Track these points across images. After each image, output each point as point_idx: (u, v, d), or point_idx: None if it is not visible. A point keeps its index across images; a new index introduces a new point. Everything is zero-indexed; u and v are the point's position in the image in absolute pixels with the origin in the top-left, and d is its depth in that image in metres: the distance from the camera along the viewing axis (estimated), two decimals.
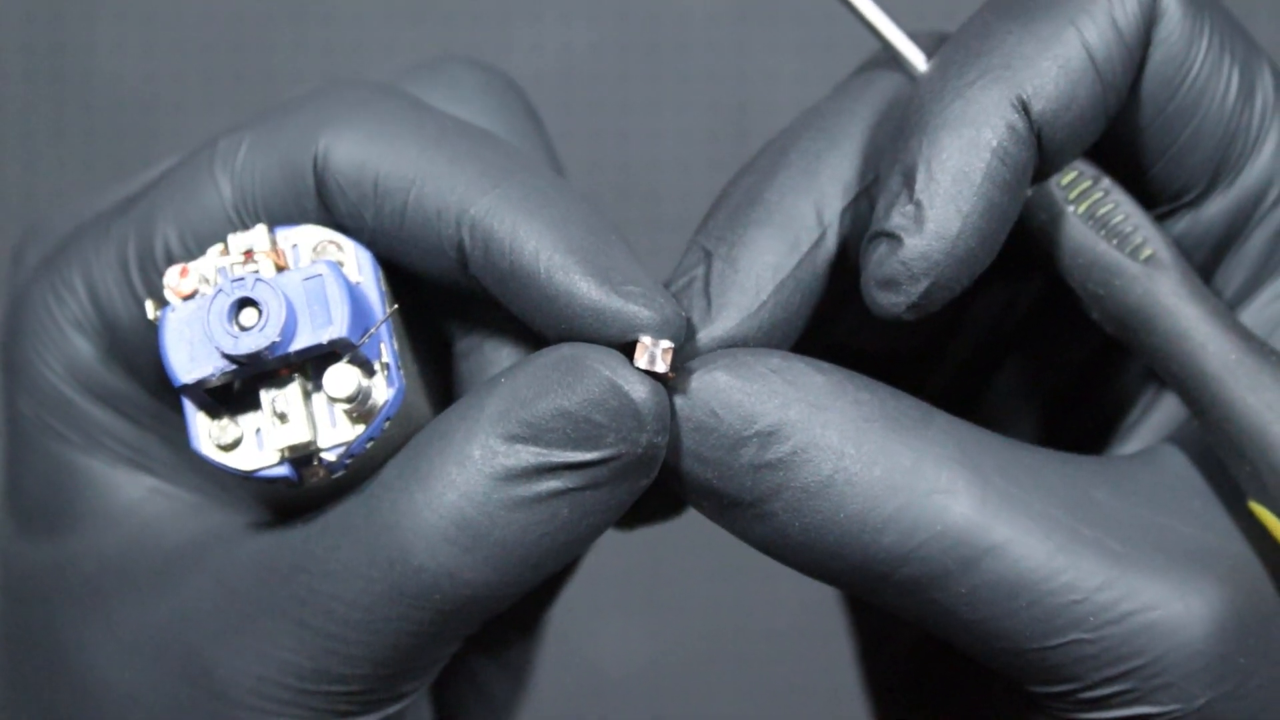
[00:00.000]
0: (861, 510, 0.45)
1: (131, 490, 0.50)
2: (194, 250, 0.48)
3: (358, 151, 0.47)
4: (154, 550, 0.49)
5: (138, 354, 0.49)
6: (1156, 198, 0.50)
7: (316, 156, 0.47)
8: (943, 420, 0.47)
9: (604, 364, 0.45)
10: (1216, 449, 0.48)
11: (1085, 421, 0.54)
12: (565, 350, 0.45)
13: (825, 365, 0.47)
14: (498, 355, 0.48)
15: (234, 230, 0.48)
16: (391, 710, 0.48)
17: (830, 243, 0.48)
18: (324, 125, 0.47)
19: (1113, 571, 0.46)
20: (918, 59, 0.49)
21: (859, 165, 0.49)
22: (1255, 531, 0.47)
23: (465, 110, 0.50)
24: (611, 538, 0.58)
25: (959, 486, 0.46)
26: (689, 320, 0.47)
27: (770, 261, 0.48)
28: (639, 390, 0.45)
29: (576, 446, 0.45)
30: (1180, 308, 0.48)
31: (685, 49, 1.09)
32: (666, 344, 0.45)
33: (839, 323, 0.51)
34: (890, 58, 0.50)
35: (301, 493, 0.47)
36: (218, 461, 0.46)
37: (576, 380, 0.45)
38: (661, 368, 0.45)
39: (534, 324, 0.46)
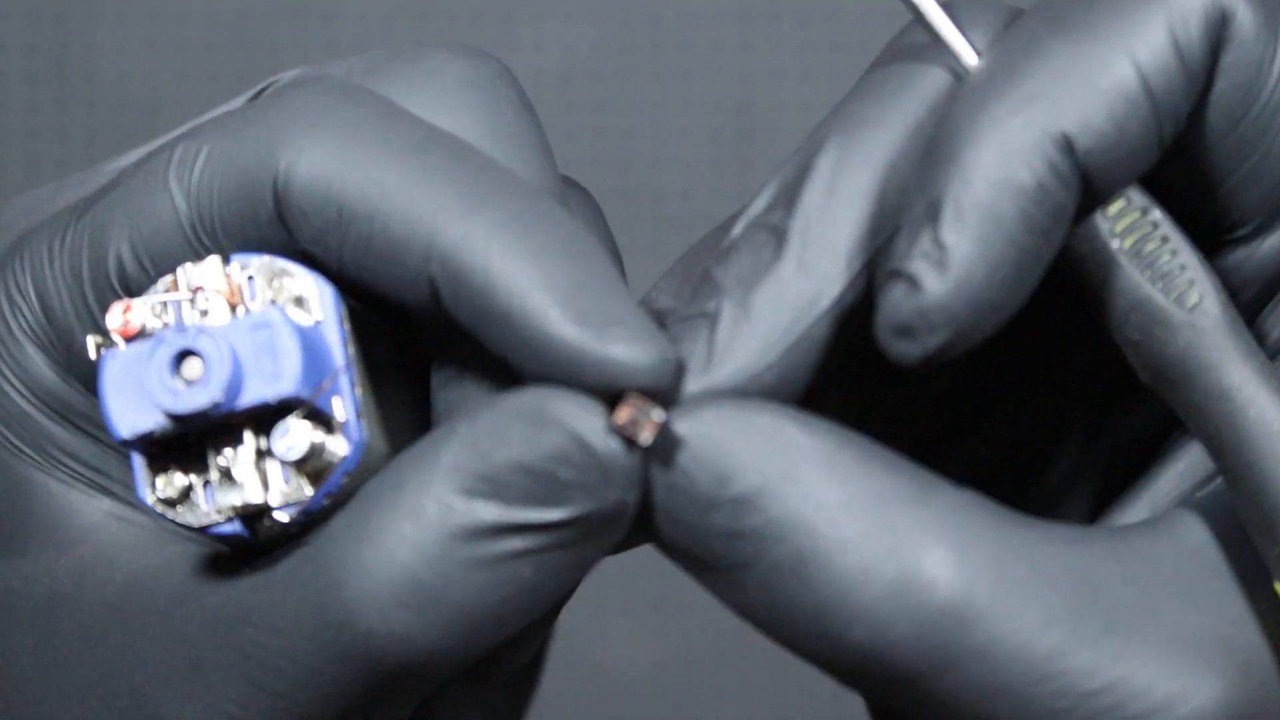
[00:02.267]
0: (833, 598, 0.41)
1: (89, 513, 0.46)
2: (148, 268, 0.44)
3: (320, 171, 0.42)
4: (106, 581, 0.46)
5: (94, 372, 0.45)
6: (1207, 231, 0.46)
7: (277, 178, 0.43)
8: (939, 500, 0.42)
9: (569, 415, 0.40)
10: (1246, 522, 0.44)
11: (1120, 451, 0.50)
12: (529, 398, 0.41)
13: (821, 427, 0.42)
14: (480, 388, 0.44)
15: (190, 248, 0.44)
16: None
17: (856, 291, 0.43)
18: (285, 141, 0.43)
19: (1111, 674, 0.42)
20: (969, 55, 0.43)
21: (893, 200, 0.43)
22: (1276, 615, 0.44)
23: (447, 107, 0.45)
24: None
25: (941, 578, 0.41)
26: (680, 362, 0.42)
27: (786, 319, 0.43)
28: (606, 446, 0.40)
29: (540, 504, 0.41)
30: (1224, 365, 0.44)
31: (689, 48, 1.09)
32: (659, 414, 0.40)
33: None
34: (930, 41, 0.44)
35: (259, 541, 0.44)
36: (164, 515, 0.42)
37: (538, 433, 0.40)
38: (646, 440, 0.40)
39: (512, 364, 0.42)
